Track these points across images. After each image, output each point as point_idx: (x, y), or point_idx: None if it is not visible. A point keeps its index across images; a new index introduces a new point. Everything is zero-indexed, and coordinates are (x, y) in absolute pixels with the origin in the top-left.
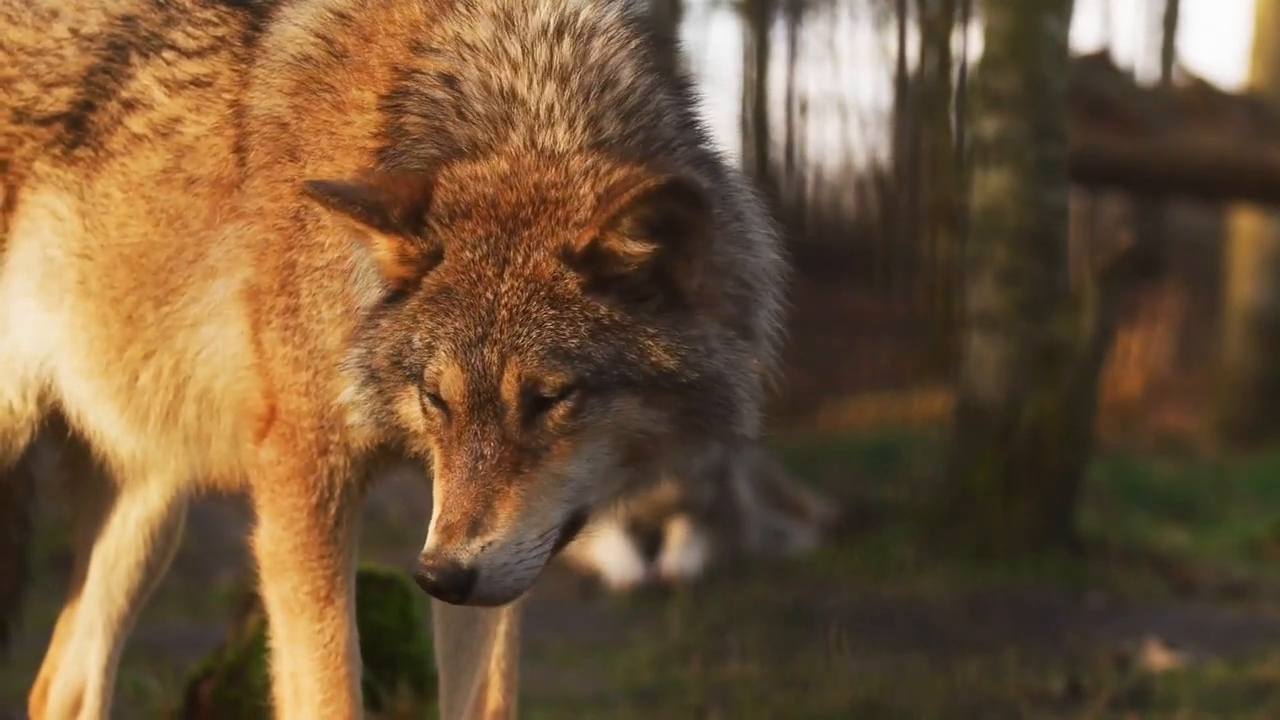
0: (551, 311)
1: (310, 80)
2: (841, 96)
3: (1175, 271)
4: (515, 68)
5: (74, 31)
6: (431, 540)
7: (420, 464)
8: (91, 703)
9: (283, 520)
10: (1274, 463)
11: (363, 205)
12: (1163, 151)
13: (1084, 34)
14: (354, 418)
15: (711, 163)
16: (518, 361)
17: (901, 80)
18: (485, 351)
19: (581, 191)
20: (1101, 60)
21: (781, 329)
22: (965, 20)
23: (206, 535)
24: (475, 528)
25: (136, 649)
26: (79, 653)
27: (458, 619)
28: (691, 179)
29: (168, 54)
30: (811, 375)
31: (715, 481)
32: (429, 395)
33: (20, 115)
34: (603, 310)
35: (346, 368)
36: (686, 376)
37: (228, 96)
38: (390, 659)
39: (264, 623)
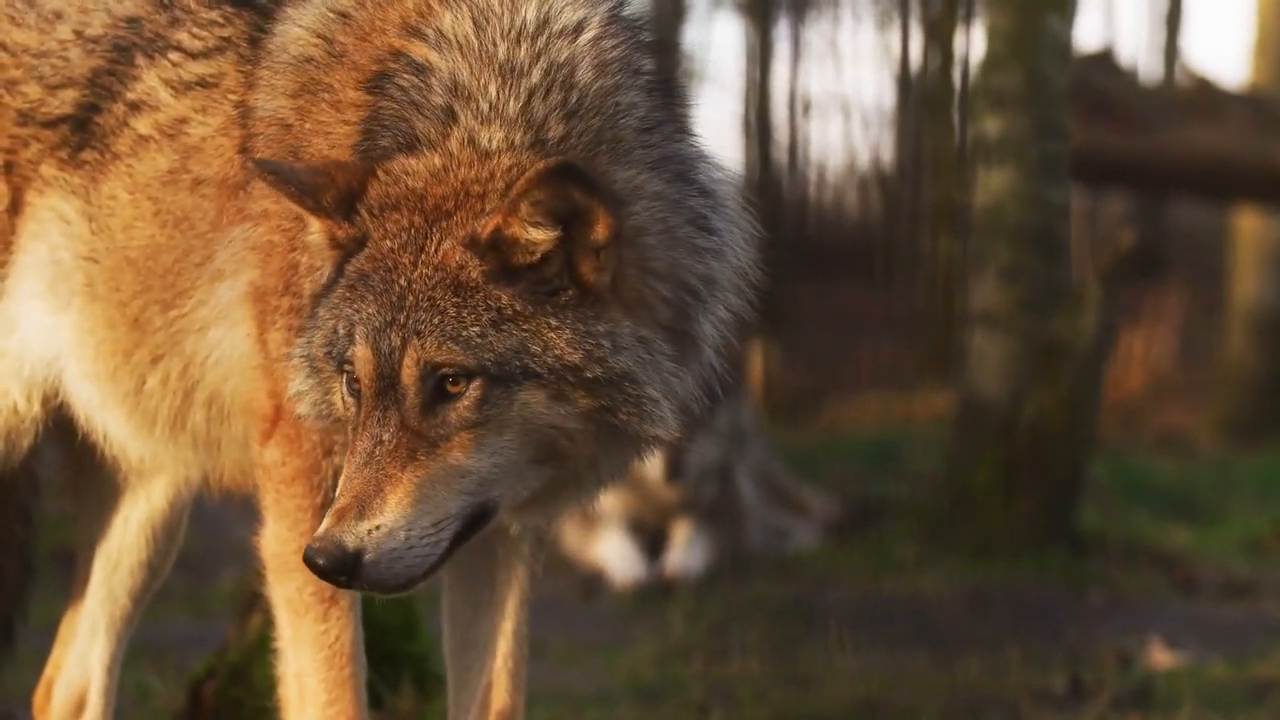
0: (455, 299)
1: (311, 81)
2: (844, 96)
3: (1177, 270)
4: (473, 64)
5: (78, 33)
6: (323, 523)
7: None
8: (95, 702)
9: (288, 521)
10: (1276, 460)
11: (298, 186)
12: (1165, 150)
13: (1086, 33)
14: (301, 409)
15: (680, 165)
16: (417, 345)
17: (904, 79)
18: (391, 335)
19: (499, 186)
20: (1104, 59)
21: (730, 337)
22: (967, 19)
23: (209, 535)
24: (364, 511)
25: (139, 648)
26: (82, 652)
27: (464, 617)
28: (584, 166)
29: (173, 55)
30: (814, 373)
31: (717, 480)
32: (347, 382)
33: (25, 118)
34: (505, 300)
35: (293, 359)
36: (591, 371)
37: (233, 97)
38: (392, 657)
39: (267, 622)
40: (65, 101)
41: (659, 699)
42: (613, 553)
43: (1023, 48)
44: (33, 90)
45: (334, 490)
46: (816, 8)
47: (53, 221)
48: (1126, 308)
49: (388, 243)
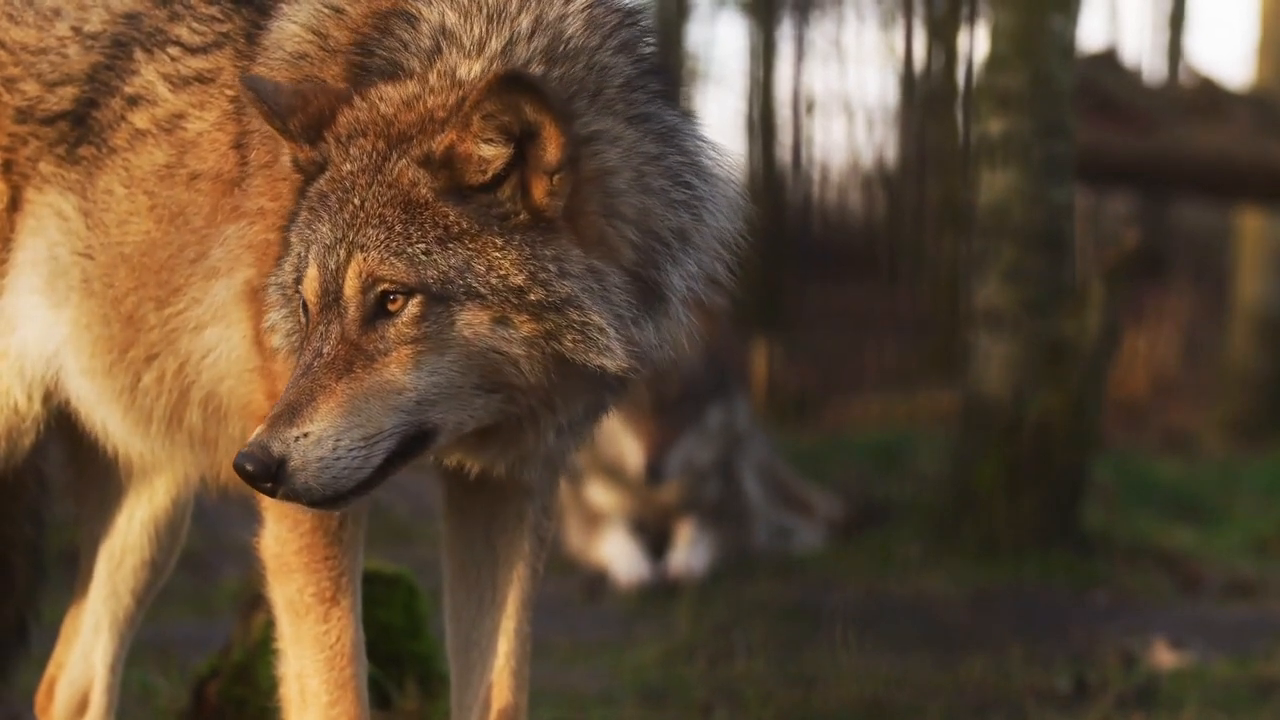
0: (403, 216)
1: (306, 78)
2: (848, 95)
3: (1181, 270)
4: (463, 10)
5: (76, 30)
6: (255, 431)
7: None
8: (98, 701)
9: (287, 521)
10: None
11: (271, 105)
12: (1169, 150)
13: (1090, 33)
14: (275, 341)
15: (662, 127)
16: (360, 259)
17: (908, 79)
18: (339, 252)
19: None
20: (1108, 59)
21: (697, 290)
22: (971, 19)
23: (212, 533)
24: (294, 419)
25: (143, 648)
26: (85, 651)
27: (467, 617)
28: (536, 78)
29: (172, 50)
30: (817, 373)
31: (722, 479)
32: (302, 304)
33: (24, 115)
34: (452, 217)
35: (269, 290)
36: (535, 294)
37: (230, 93)
38: (396, 657)
39: (270, 622)
40: (64, 98)
41: (663, 699)
42: (616, 552)
43: (1027, 47)
44: (31, 87)
45: None
46: (820, 7)
47: (50, 218)
48: (1130, 308)
49: (348, 166)
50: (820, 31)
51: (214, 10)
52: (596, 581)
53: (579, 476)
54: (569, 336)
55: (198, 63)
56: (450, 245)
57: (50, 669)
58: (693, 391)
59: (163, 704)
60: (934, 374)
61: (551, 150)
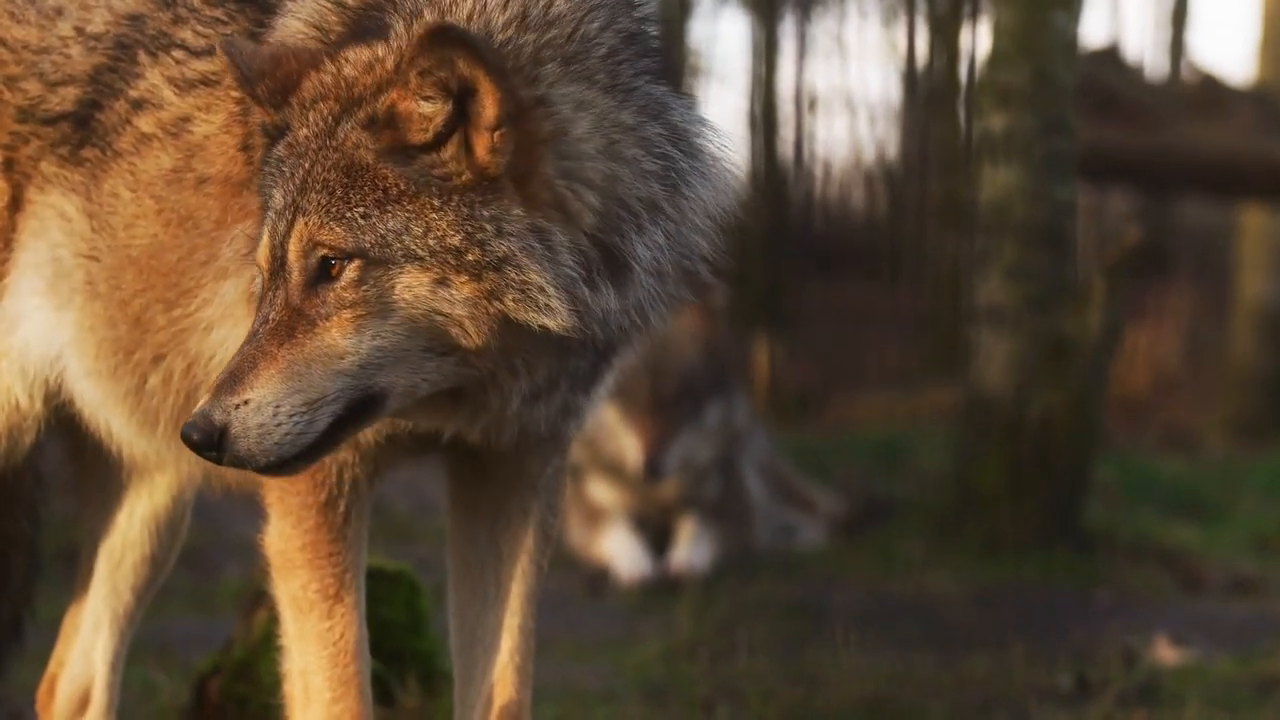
0: (345, 179)
1: None
2: (850, 92)
3: (1183, 267)
4: None
5: (79, 30)
6: (201, 400)
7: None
8: (99, 698)
9: (291, 518)
10: None
11: (243, 69)
12: (1171, 147)
13: (1093, 29)
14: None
15: (645, 100)
16: (302, 224)
17: (910, 76)
18: (286, 217)
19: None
20: (1110, 56)
21: (664, 262)
22: (974, 16)
23: (214, 530)
24: (235, 386)
25: (144, 645)
26: (85, 649)
27: (471, 613)
28: (468, 32)
29: (177, 53)
30: (820, 370)
31: (722, 476)
32: (260, 273)
33: (25, 114)
34: (391, 179)
35: (254, 261)
36: (472, 254)
37: (235, 94)
38: (398, 654)
39: (272, 619)
40: (66, 98)
41: (665, 696)
42: (618, 549)
43: (1029, 44)
44: (33, 87)
45: (337, 488)
46: (822, 3)
47: (53, 219)
48: (1132, 305)
49: (304, 130)
50: (822, 28)
51: (218, 12)
52: (598, 578)
53: (580, 473)
54: (509, 295)
55: (203, 65)
56: (389, 208)
57: (51, 666)
58: (691, 388)
59: (164, 701)
60: (936, 371)
61: (489, 106)
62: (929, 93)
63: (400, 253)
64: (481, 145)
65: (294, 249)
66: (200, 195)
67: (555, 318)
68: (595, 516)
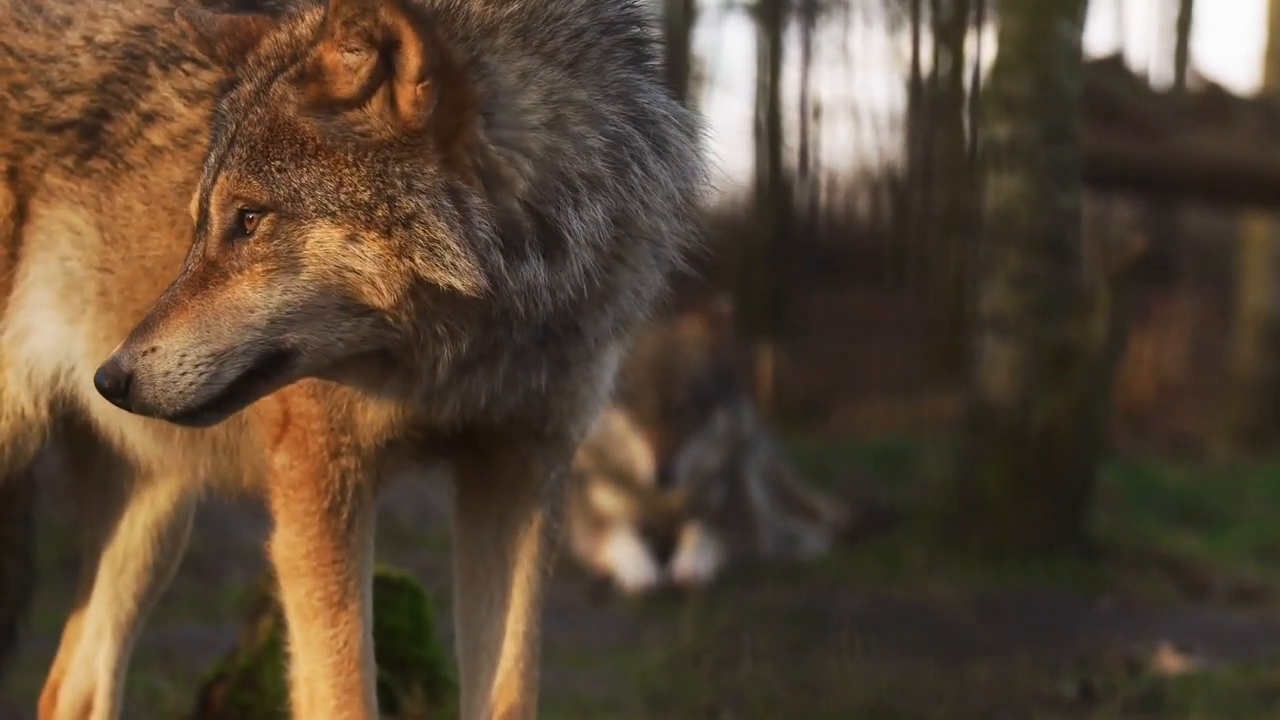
0: (266, 134)
1: None
2: (854, 100)
3: (1187, 275)
4: None
5: (88, 39)
6: (115, 347)
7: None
8: (101, 706)
9: (296, 525)
10: None
11: (203, 33)
12: (1175, 155)
13: (1097, 37)
14: None
15: (609, 84)
16: (224, 177)
17: (915, 84)
18: (214, 169)
19: None
20: (1114, 64)
21: (599, 237)
22: (978, 24)
23: (218, 537)
24: (145, 335)
25: (148, 652)
26: (87, 656)
27: (476, 620)
28: None
29: (186, 65)
30: (823, 378)
31: (727, 484)
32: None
33: (30, 121)
34: (309, 133)
35: None
36: (380, 210)
37: None
38: (402, 662)
39: (277, 626)
40: (73, 107)
41: (669, 704)
42: (623, 556)
43: (1033, 52)
44: (39, 94)
45: (341, 495)
46: (827, 11)
47: (62, 233)
48: (1136, 313)
49: (247, 87)
50: (827, 36)
51: None
52: (602, 585)
53: (585, 480)
54: (418, 253)
55: (211, 76)
56: (304, 162)
57: (53, 674)
58: (700, 395)
59: (168, 709)
60: (939, 379)
61: (412, 57)
62: (933, 101)
63: (313, 207)
64: (405, 98)
65: (215, 201)
66: None
67: (462, 278)
68: (600, 524)
